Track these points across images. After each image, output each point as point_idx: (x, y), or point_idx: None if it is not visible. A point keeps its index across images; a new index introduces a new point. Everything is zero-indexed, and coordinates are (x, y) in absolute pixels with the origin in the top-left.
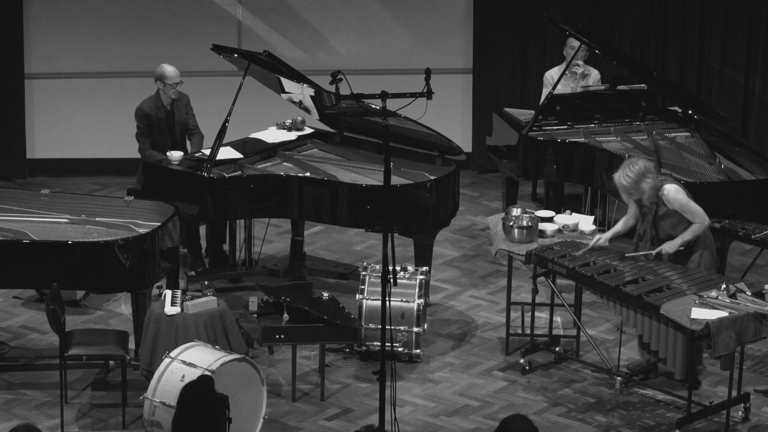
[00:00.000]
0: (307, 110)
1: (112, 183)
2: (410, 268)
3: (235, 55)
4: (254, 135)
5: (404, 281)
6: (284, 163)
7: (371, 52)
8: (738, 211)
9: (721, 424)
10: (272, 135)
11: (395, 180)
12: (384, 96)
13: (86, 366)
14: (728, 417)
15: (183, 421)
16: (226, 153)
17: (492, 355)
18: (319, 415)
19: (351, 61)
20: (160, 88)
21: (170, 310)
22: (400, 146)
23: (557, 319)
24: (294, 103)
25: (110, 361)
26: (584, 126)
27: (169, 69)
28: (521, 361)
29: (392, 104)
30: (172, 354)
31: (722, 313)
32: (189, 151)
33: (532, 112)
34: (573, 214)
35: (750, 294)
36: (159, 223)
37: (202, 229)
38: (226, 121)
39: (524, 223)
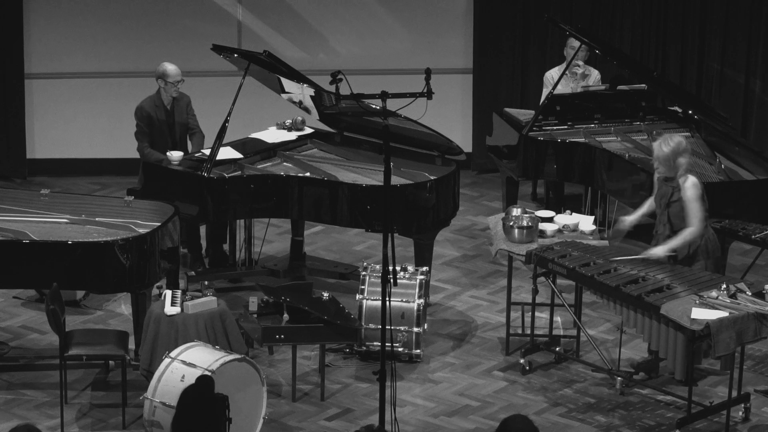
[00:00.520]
0: (307, 110)
1: (112, 183)
2: (410, 268)
3: (235, 55)
4: (254, 135)
5: (404, 281)
6: (284, 163)
7: (371, 52)
8: (738, 211)
9: (722, 425)
10: (272, 135)
11: (395, 180)
12: (384, 96)
13: (86, 366)
14: (728, 417)
15: (183, 423)
16: (226, 153)
17: (492, 355)
18: (319, 415)
19: (351, 61)
20: (161, 86)
21: (170, 310)
22: (400, 146)
23: (557, 319)
24: (294, 103)
25: (110, 361)
26: (584, 126)
27: (170, 67)
28: (521, 361)
29: (392, 104)
30: (172, 354)
31: (722, 313)
32: (189, 150)
33: (532, 112)
34: (573, 214)
35: (750, 294)
36: (159, 223)
37: (202, 229)
38: (226, 121)
39: (524, 223)
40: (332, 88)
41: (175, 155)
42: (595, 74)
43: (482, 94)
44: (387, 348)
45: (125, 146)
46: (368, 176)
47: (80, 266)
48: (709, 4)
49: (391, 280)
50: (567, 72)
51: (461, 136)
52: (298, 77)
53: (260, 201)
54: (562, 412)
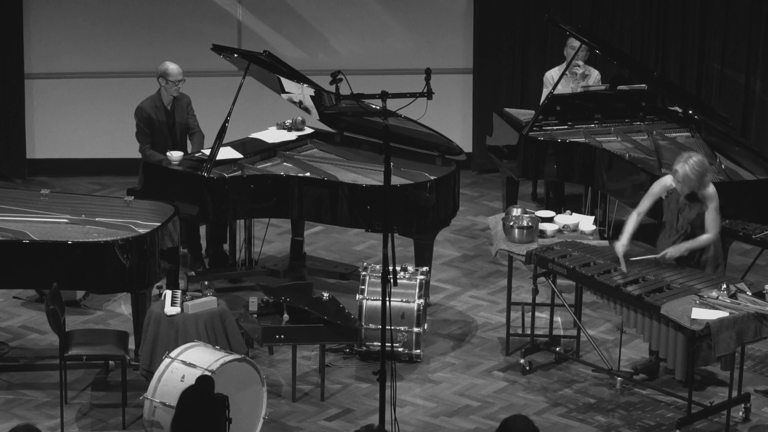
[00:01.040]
0: (307, 110)
1: (112, 183)
2: (410, 268)
3: (235, 55)
4: (254, 135)
5: (404, 281)
6: (284, 163)
7: (371, 52)
8: (738, 211)
9: (722, 425)
10: (272, 135)
11: (395, 180)
12: (384, 96)
13: (86, 366)
14: (728, 417)
15: (182, 423)
16: (226, 153)
17: (492, 356)
18: (319, 415)
19: (351, 61)
20: (162, 85)
21: (170, 310)
22: (400, 146)
23: (557, 319)
24: (294, 103)
25: (110, 362)
26: (584, 126)
27: (172, 66)
28: (521, 361)
29: (392, 104)
30: (172, 354)
31: (723, 314)
32: (189, 150)
33: (532, 112)
34: (573, 214)
35: (750, 294)
36: (159, 223)
37: (202, 229)
38: (226, 121)
39: (524, 223)
40: (332, 88)
41: (175, 155)
42: (595, 74)
43: (482, 94)
44: (387, 348)
45: (125, 146)
46: (368, 176)
47: (80, 266)
48: (709, 4)
49: (391, 280)
50: (567, 72)
51: (461, 136)
52: (298, 77)
53: (260, 201)
54: (563, 413)
